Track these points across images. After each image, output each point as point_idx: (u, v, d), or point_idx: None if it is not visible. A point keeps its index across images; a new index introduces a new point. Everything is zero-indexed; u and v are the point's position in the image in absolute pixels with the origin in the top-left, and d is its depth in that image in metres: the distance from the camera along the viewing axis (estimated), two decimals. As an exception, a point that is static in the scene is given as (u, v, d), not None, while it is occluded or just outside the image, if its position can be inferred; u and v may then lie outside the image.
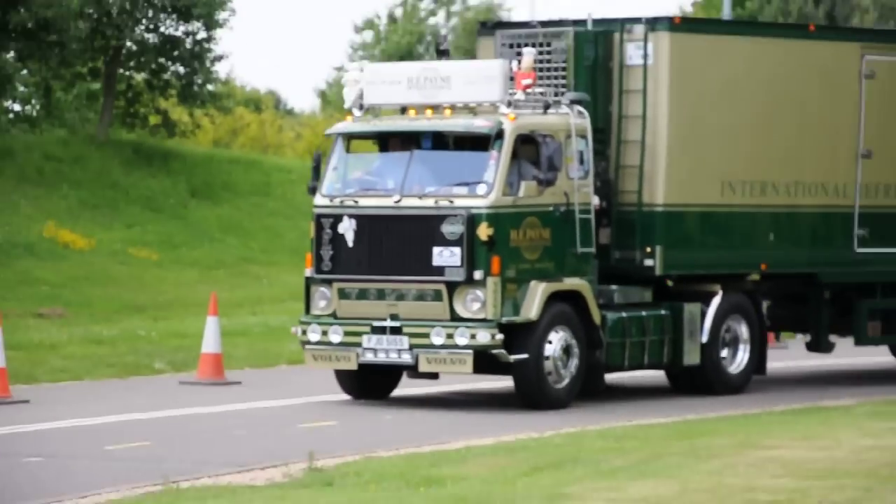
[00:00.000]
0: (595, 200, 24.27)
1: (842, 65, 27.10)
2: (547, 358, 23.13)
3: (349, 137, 24.07)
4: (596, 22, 25.41)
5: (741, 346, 26.03)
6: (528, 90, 23.02)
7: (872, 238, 27.56)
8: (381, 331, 23.11)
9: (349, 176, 23.95)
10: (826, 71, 26.76)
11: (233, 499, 15.31)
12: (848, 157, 27.27)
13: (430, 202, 22.82)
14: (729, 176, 25.59)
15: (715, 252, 25.71)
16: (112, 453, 18.96)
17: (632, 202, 24.99)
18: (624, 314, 24.21)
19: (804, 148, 26.64)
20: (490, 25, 26.09)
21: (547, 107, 23.47)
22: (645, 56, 24.86)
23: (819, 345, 27.78)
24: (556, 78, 24.82)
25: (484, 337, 22.38)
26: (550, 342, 23.13)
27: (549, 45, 24.92)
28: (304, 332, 23.55)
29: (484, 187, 22.65)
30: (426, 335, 22.77)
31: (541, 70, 24.67)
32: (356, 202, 23.29)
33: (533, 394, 23.16)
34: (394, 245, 23.08)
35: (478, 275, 22.44)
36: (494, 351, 22.54)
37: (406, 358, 23.00)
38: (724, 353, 25.78)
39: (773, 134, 26.26)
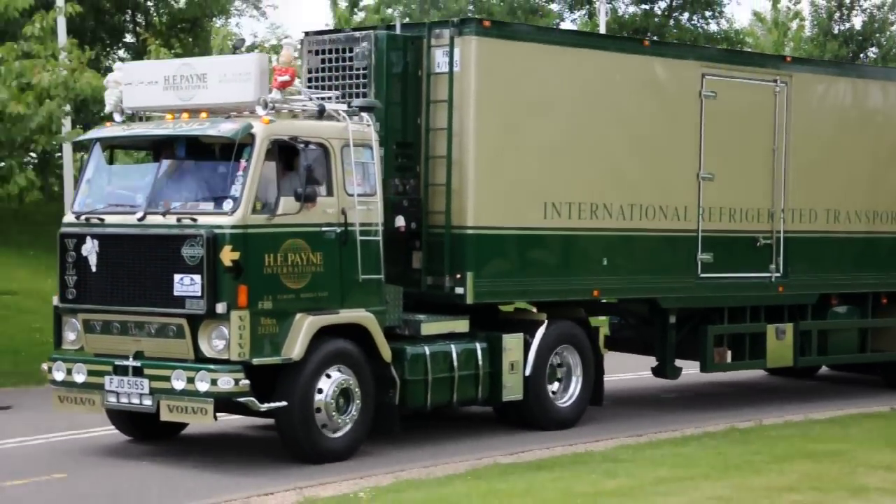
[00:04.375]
0: (399, 221, 15.20)
1: (681, 83, 17.62)
2: (317, 406, 13.63)
3: (104, 146, 14.69)
4: (405, 27, 16.25)
5: (573, 378, 16.60)
6: (286, 89, 12.63)
7: (717, 262, 18.02)
8: (123, 371, 13.76)
9: (104, 190, 14.43)
10: (663, 89, 17.43)
11: None
12: (688, 179, 17.69)
13: (172, 220, 13.35)
14: (552, 197, 16.16)
15: (536, 278, 16.12)
16: None
17: (441, 224, 15.51)
18: (426, 348, 14.82)
19: (639, 169, 17.24)
20: (305, 33, 16.14)
21: (322, 111, 13.74)
22: (451, 62, 15.45)
23: (665, 370, 18.30)
24: (358, 87, 15.59)
25: (226, 382, 13.16)
26: (321, 386, 13.68)
27: (350, 50, 15.26)
28: (49, 370, 14.11)
29: (230, 203, 13.19)
30: (167, 378, 13.40)
31: (343, 78, 15.66)
32: (101, 220, 13.94)
33: (300, 445, 13.82)
34: (135, 270, 13.68)
35: (220, 307, 13.10)
36: (241, 399, 13.03)
37: (147, 404, 13.62)
38: (555, 386, 16.42)
39: (602, 153, 16.88)
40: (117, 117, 14.38)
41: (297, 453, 13.57)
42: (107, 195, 14.19)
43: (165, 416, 13.22)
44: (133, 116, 14.54)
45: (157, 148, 14.04)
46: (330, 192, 13.82)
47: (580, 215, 16.33)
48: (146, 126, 14.32)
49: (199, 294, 12.98)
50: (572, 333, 16.25)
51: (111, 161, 14.55)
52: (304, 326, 13.31)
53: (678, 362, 18.02)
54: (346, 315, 13.78)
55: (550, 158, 15.99)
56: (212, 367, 12.93)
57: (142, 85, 14.25)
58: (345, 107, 14.44)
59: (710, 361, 18.14)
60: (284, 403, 13.33)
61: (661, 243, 17.32)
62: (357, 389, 13.84)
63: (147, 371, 13.34)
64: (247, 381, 12.92)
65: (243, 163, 13.18)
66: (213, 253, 12.91)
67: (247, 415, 13.78)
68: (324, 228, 13.67)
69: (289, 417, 13.42)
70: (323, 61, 15.80)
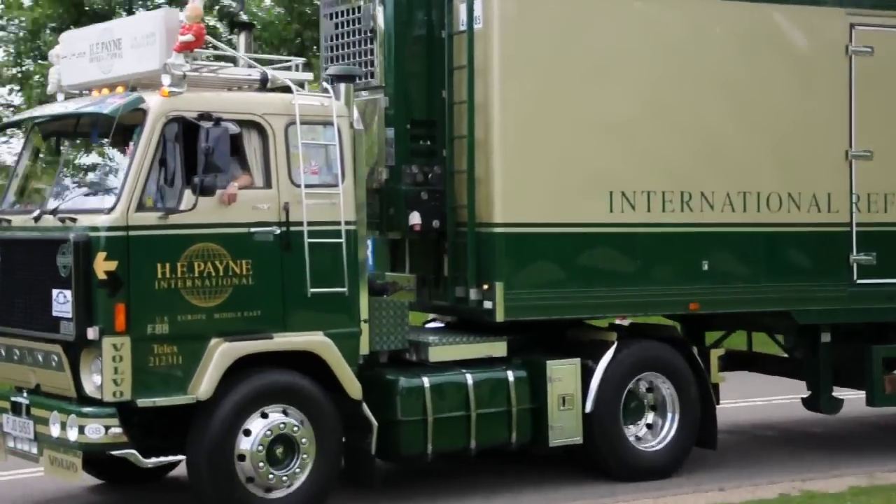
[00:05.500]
0: (414, 218, 10.97)
1: (818, 36, 12.41)
2: (242, 456, 9.39)
3: (36, 132, 10.98)
4: (422, -24, 11.38)
5: (668, 414, 11.74)
6: (191, 51, 8.58)
7: (881, 265, 12.57)
8: (17, 409, 10.13)
9: (30, 185, 10.95)
10: (790, 44, 12.29)
11: None
12: (833, 159, 12.49)
13: (57, 221, 9.56)
14: (621, 184, 11.26)
15: (599, 289, 11.40)
16: None
17: (465, 221, 11.04)
18: (425, 379, 10.43)
19: (753, 147, 12.15)
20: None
21: (265, 81, 9.52)
22: (470, 17, 10.98)
23: (818, 402, 13.05)
24: (364, 54, 11.51)
25: (94, 431, 9.30)
26: (249, 431, 9.43)
27: (357, 10, 11.39)
28: None
29: (111, 199, 9.25)
30: (47, 421, 9.61)
31: (358, 44, 11.53)
32: (9, 221, 10.34)
33: None
34: (23, 284, 10.02)
35: (91, 332, 9.21)
36: (117, 452, 8.97)
37: (34, 452, 9.94)
38: (634, 426, 11.59)
39: (697, 128, 11.91)
40: (59, 97, 10.67)
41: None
42: (30, 191, 10.51)
43: (48, 470, 9.43)
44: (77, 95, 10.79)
45: (60, 133, 10.26)
46: (267, 183, 9.66)
47: (665, 207, 11.45)
48: (44, 107, 10.63)
49: (69, 315, 9.11)
50: (660, 357, 11.51)
51: (57, 150, 10.82)
52: (215, 357, 9.25)
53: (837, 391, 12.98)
54: (284, 341, 9.62)
55: (617, 135, 11.27)
56: (84, 409, 9.06)
57: (73, 57, 10.54)
58: (310, 76, 10.23)
59: (878, 392, 12.77)
60: (180, 458, 9.25)
61: (793, 241, 12.23)
62: (306, 436, 9.64)
63: (33, 410, 9.60)
64: (118, 430, 8.96)
65: (131, 147, 9.20)
66: (85, 262, 9.03)
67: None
68: (253, 229, 9.52)
69: (197, 473, 9.34)
70: (337, 26, 11.73)
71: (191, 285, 9.30)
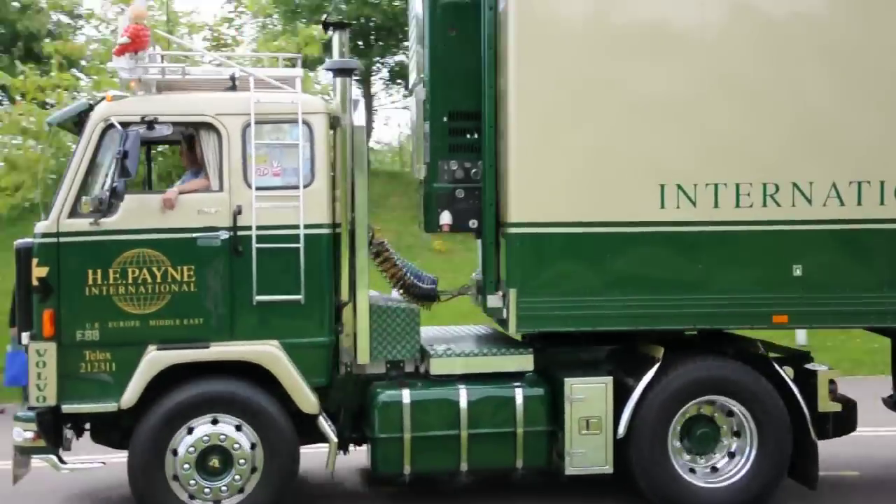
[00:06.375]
0: (444, 218, 9.68)
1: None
2: (186, 467, 9.00)
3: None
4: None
5: (747, 447, 9.54)
6: (134, 53, 8.20)
7: None
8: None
9: None
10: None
11: None
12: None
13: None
14: (678, 176, 9.38)
15: (644, 297, 9.41)
16: None
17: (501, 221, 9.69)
18: (406, 393, 9.27)
19: (866, 127, 9.46)
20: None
21: (233, 80, 9.28)
22: (492, -10, 9.50)
23: None
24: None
25: (18, 434, 9.05)
26: (176, 446, 8.95)
27: (410, -4, 9.88)
28: None
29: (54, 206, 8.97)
30: (24, 420, 9.63)
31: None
32: None
33: None
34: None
35: (24, 338, 9.01)
36: (36, 456, 8.99)
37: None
38: (688, 455, 9.62)
39: (796, 104, 9.41)
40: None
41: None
42: None
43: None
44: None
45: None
46: (220, 186, 8.79)
47: (739, 202, 9.12)
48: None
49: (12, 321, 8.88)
50: (727, 378, 9.19)
51: None
52: (141, 365, 8.61)
53: None
54: (220, 350, 8.78)
55: (675, 119, 9.09)
56: (18, 413, 8.83)
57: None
58: (300, 73, 9.21)
59: None
60: (98, 465, 8.70)
61: None
62: (249, 448, 8.76)
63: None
64: (31, 435, 8.66)
65: (76, 152, 8.74)
66: (26, 269, 8.72)
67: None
68: (196, 235, 8.68)
69: (133, 481, 8.74)
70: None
71: (124, 292, 8.67)
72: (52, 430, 8.87)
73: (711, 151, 9.32)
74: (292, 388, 8.98)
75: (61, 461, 8.89)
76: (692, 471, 9.51)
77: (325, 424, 9.06)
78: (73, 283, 8.80)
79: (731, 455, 9.53)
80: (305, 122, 9.05)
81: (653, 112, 9.26)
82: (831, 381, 9.69)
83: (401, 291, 10.15)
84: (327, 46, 12.12)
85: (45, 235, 8.81)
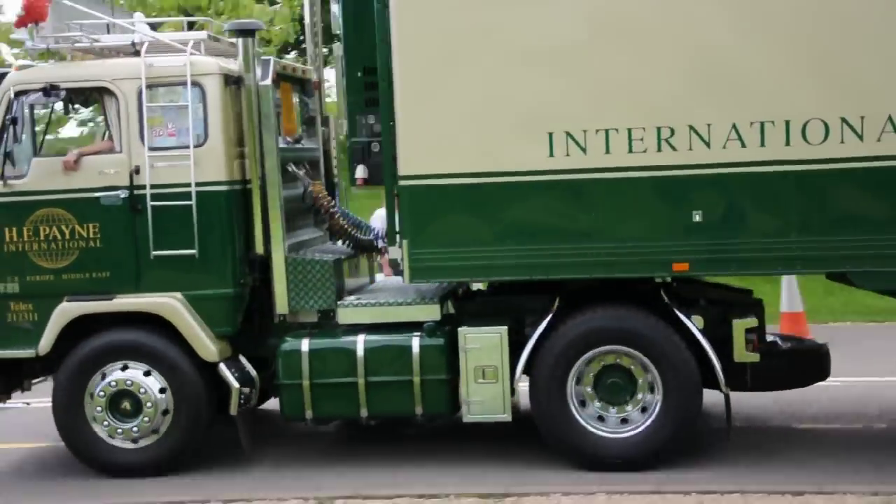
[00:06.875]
0: (359, 172, 9.61)
1: None
2: (98, 410, 9.51)
3: None
4: None
5: (651, 397, 9.03)
6: (34, 24, 8.83)
7: None
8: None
9: None
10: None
11: None
12: None
13: None
14: (566, 124, 8.49)
15: (531, 248, 8.92)
16: None
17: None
18: (305, 343, 9.34)
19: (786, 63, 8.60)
20: None
21: (135, 46, 9.59)
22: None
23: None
24: None
25: None
26: (92, 390, 9.47)
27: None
28: None
29: None
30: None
31: None
32: None
33: (78, 454, 9.65)
34: None
35: None
36: None
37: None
38: (599, 404, 9.11)
39: (690, 45, 8.69)
40: None
41: (86, 463, 9.33)
42: None
43: None
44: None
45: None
46: (119, 148, 9.08)
47: (632, 147, 8.59)
48: None
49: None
50: (626, 329, 8.79)
51: None
52: (53, 315, 9.09)
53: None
54: (122, 301, 9.16)
55: (561, 65, 8.60)
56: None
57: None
58: (200, 35, 9.34)
59: None
60: (21, 405, 9.28)
61: (848, 182, 8.47)
62: (157, 392, 9.15)
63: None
64: None
65: (-3, 120, 9.33)
66: (-43, 226, 9.39)
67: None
68: (98, 194, 9.01)
69: (57, 421, 9.29)
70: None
71: (37, 248, 9.21)
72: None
73: (600, 96, 8.73)
74: (191, 337, 9.24)
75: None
76: (601, 419, 9.06)
77: (227, 371, 9.27)
78: (-7, 240, 9.29)
79: (644, 409, 8.99)
80: (197, 84, 9.13)
81: (537, 58, 8.78)
82: (749, 331, 8.92)
83: (343, 242, 10.07)
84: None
85: (-35, 197, 9.34)
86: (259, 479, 9.18)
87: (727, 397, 9.01)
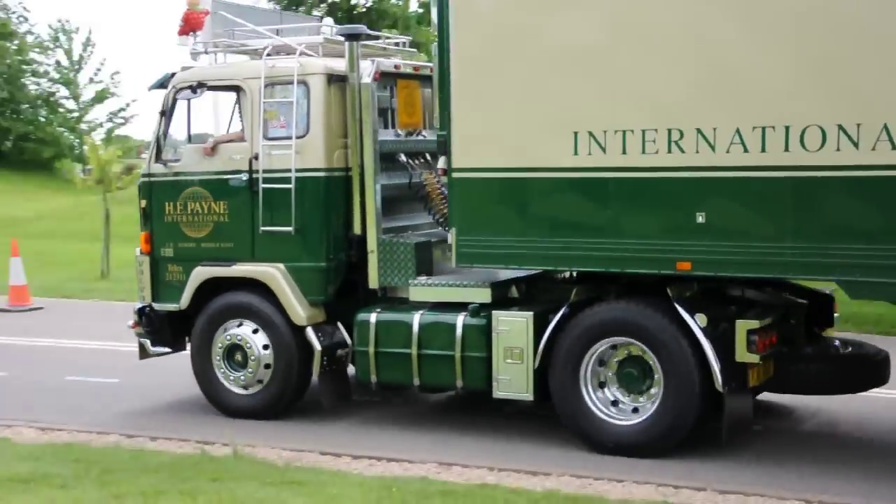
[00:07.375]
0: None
1: None
2: (217, 359, 11.35)
3: None
4: None
5: (654, 388, 9.51)
6: (193, 33, 11.39)
7: None
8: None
9: None
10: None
11: None
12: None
13: None
14: (588, 124, 9.56)
15: (557, 241, 9.66)
16: None
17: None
18: (374, 315, 10.54)
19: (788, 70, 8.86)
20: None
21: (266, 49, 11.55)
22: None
23: None
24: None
25: (129, 322, 11.95)
26: (218, 341, 11.33)
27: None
28: None
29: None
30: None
31: None
32: None
33: (207, 396, 11.48)
34: None
35: (137, 251, 11.79)
36: (141, 340, 11.88)
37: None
38: (617, 391, 9.66)
39: (700, 50, 9.11)
40: None
41: (211, 403, 11.32)
42: None
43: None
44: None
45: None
46: (245, 138, 11.02)
47: (645, 148, 9.20)
48: None
49: (144, 239, 11.98)
50: (631, 322, 9.36)
51: None
52: (192, 277, 11.15)
53: None
54: (238, 268, 11.01)
55: (577, 66, 9.47)
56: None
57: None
58: (320, 39, 11.03)
59: None
60: (167, 350, 11.37)
61: (842, 190, 8.58)
62: (261, 348, 10.94)
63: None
64: (131, 322, 11.49)
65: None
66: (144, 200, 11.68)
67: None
68: (227, 176, 11.00)
69: (193, 363, 11.37)
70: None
71: (186, 220, 11.20)
72: (150, 321, 11.43)
73: (619, 98, 9.12)
74: (285, 302, 10.74)
75: (152, 345, 11.50)
76: (615, 404, 9.40)
77: (312, 335, 10.64)
78: (158, 212, 11.31)
79: (656, 395, 9.25)
80: (303, 82, 10.59)
81: (566, 60, 9.30)
82: (752, 332, 8.86)
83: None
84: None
85: (144, 176, 11.41)
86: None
87: (724, 398, 8.98)
